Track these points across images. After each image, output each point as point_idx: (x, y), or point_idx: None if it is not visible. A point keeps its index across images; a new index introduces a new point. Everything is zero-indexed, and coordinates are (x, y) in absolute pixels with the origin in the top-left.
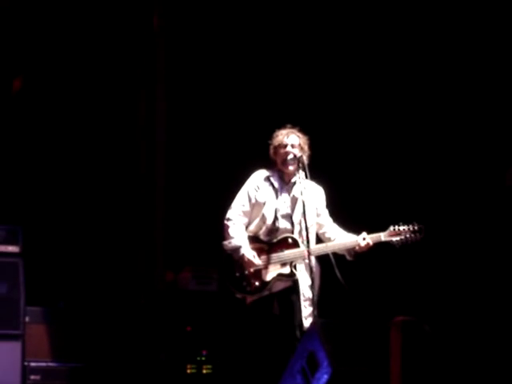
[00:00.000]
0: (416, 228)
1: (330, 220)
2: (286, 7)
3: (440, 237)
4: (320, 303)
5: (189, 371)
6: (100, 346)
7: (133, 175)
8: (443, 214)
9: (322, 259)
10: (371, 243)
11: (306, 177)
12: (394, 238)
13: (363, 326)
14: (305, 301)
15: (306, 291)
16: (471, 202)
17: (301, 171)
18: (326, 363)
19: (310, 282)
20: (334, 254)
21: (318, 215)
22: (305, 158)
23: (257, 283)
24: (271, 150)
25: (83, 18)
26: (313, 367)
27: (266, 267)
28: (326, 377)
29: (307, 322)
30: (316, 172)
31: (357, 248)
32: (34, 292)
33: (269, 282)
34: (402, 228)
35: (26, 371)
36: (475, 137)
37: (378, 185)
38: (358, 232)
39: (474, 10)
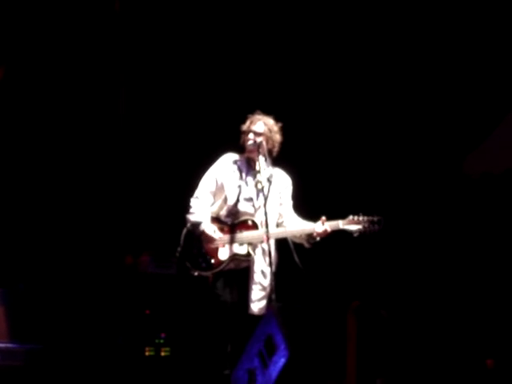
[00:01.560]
0: (375, 219)
1: (292, 212)
2: None
3: (399, 224)
4: (278, 288)
5: (147, 354)
6: (59, 328)
7: (94, 159)
8: (401, 200)
9: (280, 244)
10: (329, 230)
11: (267, 163)
12: (353, 227)
13: (320, 311)
14: (254, 284)
15: (257, 276)
16: (429, 188)
17: (261, 157)
18: (283, 346)
19: (264, 268)
20: (293, 242)
21: (280, 204)
22: (264, 145)
23: (212, 261)
24: (241, 135)
25: (58, 10)
26: (270, 350)
27: (223, 246)
28: (283, 360)
29: (255, 306)
30: (281, 161)
31: (314, 234)
32: None
33: (224, 261)
34: (361, 218)
35: None
36: (433, 126)
37: (338, 175)
38: (317, 220)
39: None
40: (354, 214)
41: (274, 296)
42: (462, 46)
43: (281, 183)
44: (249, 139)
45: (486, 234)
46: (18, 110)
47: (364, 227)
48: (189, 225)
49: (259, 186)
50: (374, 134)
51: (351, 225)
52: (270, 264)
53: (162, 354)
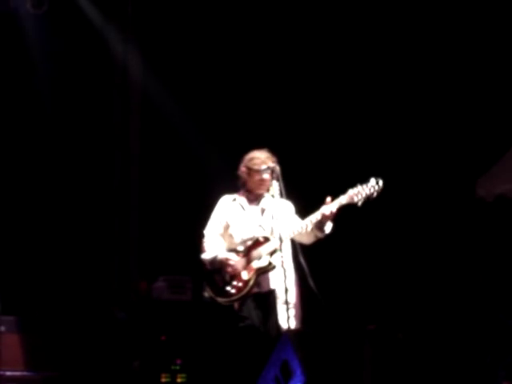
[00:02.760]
0: (373, 182)
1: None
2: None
3: (413, 247)
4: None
5: (163, 380)
6: (75, 355)
7: (107, 186)
8: (415, 223)
9: (298, 269)
10: (334, 210)
11: (280, 188)
12: (355, 198)
13: (337, 335)
14: (283, 304)
15: (281, 295)
16: (444, 213)
17: (274, 182)
18: (299, 371)
19: (287, 285)
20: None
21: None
22: (278, 170)
23: (240, 284)
24: (243, 169)
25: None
26: (286, 375)
27: (244, 268)
28: None
29: (285, 324)
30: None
31: (322, 217)
32: (9, 301)
33: (249, 280)
34: (360, 187)
35: (1, 380)
36: (445, 150)
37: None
38: None
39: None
40: (352, 187)
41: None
42: (477, 67)
43: (282, 206)
44: (261, 179)
45: (500, 257)
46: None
47: (366, 193)
48: (207, 264)
49: (264, 210)
50: (384, 160)
51: (353, 197)
52: (286, 287)
53: (178, 380)
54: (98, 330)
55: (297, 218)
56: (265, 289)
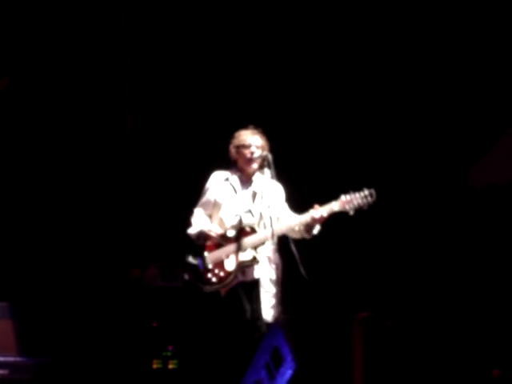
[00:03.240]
0: (366, 193)
1: (289, 211)
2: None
3: (403, 234)
4: (284, 299)
5: (155, 366)
6: (67, 342)
7: (100, 173)
8: (406, 210)
9: (286, 255)
10: (325, 215)
11: (272, 176)
12: (347, 206)
13: (326, 322)
14: (265, 292)
15: (266, 284)
16: (434, 199)
17: (266, 170)
18: (289, 358)
19: (272, 276)
20: (294, 239)
21: (277, 209)
22: (270, 157)
23: (221, 273)
24: (232, 150)
25: (62, 20)
26: (277, 362)
27: (227, 257)
28: (289, 372)
29: (267, 313)
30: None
31: (311, 221)
32: (1, 287)
33: (232, 272)
34: (353, 195)
35: None
36: (437, 138)
37: (337, 183)
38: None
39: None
40: (344, 194)
41: (280, 307)
42: (467, 56)
43: (273, 190)
44: (252, 152)
45: (492, 245)
46: (21, 121)
47: (358, 203)
48: (193, 239)
49: (255, 195)
50: (377, 146)
51: (345, 204)
52: (277, 274)
53: (170, 366)
54: (90, 316)
55: (286, 206)
56: (249, 278)
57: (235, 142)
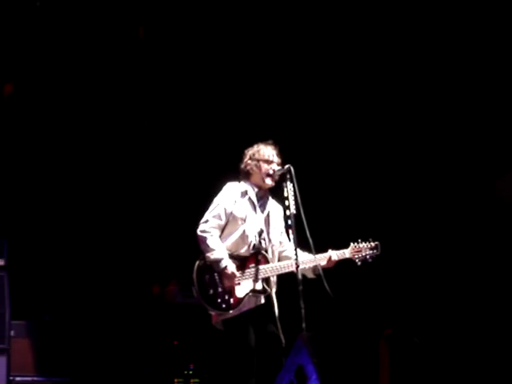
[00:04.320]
0: (373, 245)
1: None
2: (270, 17)
3: (431, 249)
4: (308, 317)
5: None
6: (85, 360)
7: (122, 189)
8: (435, 225)
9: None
10: (337, 259)
11: (294, 190)
12: (356, 256)
13: (352, 339)
14: (269, 317)
15: (277, 310)
16: (462, 212)
17: (288, 183)
18: (314, 377)
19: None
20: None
21: (281, 233)
22: (292, 170)
23: (231, 300)
24: (250, 162)
25: (73, 26)
26: (301, 381)
27: (239, 284)
28: None
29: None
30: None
31: (324, 264)
32: (19, 306)
33: (242, 299)
34: (361, 245)
35: None
36: (465, 149)
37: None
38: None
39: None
40: (353, 242)
41: (304, 325)
42: (496, 68)
43: (279, 211)
44: (272, 168)
45: None
46: (35, 129)
47: (364, 255)
48: (209, 260)
49: (268, 218)
50: (405, 157)
51: (355, 253)
52: (299, 292)
53: None
54: (109, 333)
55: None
56: (253, 304)
57: (256, 155)
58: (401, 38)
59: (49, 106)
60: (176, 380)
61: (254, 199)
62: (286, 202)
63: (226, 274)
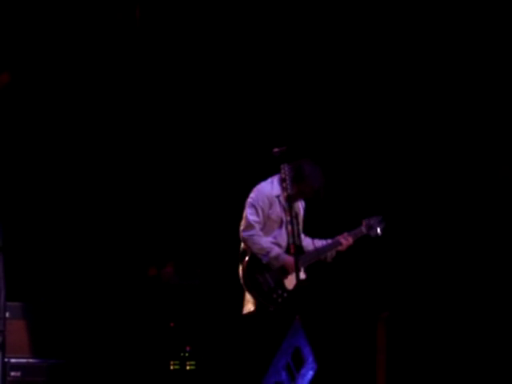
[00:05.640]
0: (380, 218)
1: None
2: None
3: (429, 234)
4: (306, 300)
5: (172, 367)
6: (81, 342)
7: (117, 172)
8: (433, 208)
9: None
10: (351, 241)
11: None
12: (371, 231)
13: (349, 322)
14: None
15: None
16: (462, 196)
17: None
18: (311, 359)
19: None
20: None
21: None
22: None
23: (285, 294)
24: (298, 178)
25: (68, 13)
26: (298, 363)
27: (286, 277)
28: (311, 372)
29: None
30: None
31: (339, 247)
32: (15, 287)
33: (292, 291)
34: (372, 221)
35: (6, 368)
36: (464, 138)
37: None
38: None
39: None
40: (363, 219)
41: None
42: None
43: (301, 206)
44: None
45: None
46: (28, 122)
47: (376, 229)
48: (260, 255)
49: (296, 216)
50: (418, 161)
51: (368, 229)
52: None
53: (187, 367)
54: (104, 315)
55: None
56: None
57: (308, 179)
58: (404, 36)
59: (45, 95)
60: (172, 362)
61: (284, 203)
62: (284, 184)
63: (289, 265)
